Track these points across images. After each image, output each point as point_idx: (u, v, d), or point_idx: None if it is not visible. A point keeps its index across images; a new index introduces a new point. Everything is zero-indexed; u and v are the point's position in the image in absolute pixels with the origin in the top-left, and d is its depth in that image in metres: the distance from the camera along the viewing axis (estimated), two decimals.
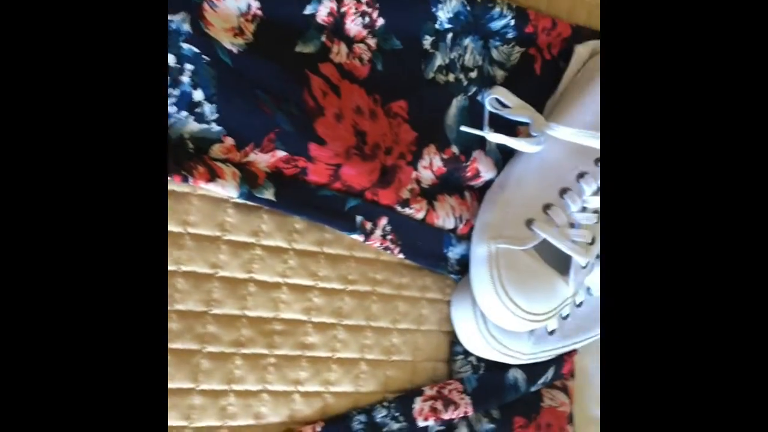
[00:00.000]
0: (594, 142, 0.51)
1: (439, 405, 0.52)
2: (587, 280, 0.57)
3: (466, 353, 0.55)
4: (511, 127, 0.54)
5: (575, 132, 0.52)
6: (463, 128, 0.52)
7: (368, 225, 0.49)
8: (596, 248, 0.52)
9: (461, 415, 0.53)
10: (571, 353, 0.58)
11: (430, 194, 0.51)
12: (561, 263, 0.51)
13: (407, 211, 0.50)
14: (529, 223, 0.51)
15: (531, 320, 0.50)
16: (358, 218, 0.48)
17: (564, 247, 0.50)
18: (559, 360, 0.57)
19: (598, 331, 0.58)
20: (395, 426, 0.50)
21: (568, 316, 0.56)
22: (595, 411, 0.62)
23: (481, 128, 0.52)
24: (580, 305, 0.57)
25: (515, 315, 0.49)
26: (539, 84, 0.56)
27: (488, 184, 0.54)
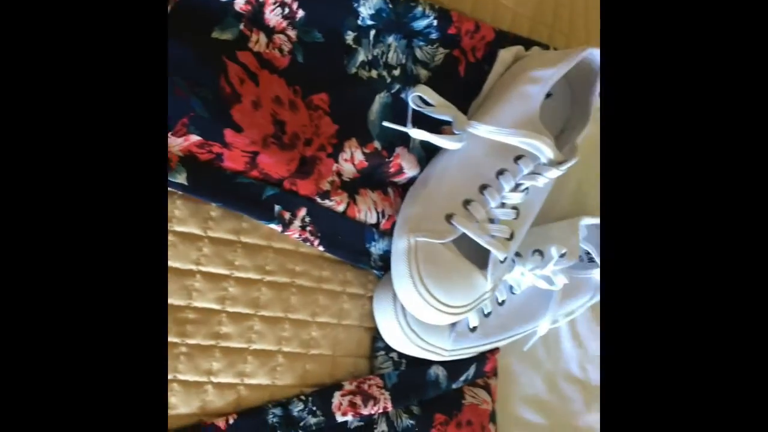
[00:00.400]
0: (513, 140, 0.52)
1: (358, 400, 0.51)
2: (511, 279, 0.58)
3: (388, 349, 0.55)
4: (434, 125, 0.55)
5: (495, 130, 0.53)
6: (386, 124, 0.52)
7: (287, 215, 0.48)
8: (515, 244, 0.53)
9: (381, 411, 0.52)
10: (493, 351, 0.58)
11: (351, 188, 0.52)
12: (480, 258, 0.52)
13: (327, 203, 0.50)
14: (449, 217, 0.51)
15: (448, 312, 0.50)
16: (276, 207, 0.48)
17: (482, 242, 0.51)
18: (482, 358, 0.57)
19: (520, 330, 0.58)
20: (312, 420, 0.50)
21: (490, 313, 0.57)
22: (519, 411, 0.62)
23: (404, 125, 0.53)
24: (502, 304, 0.58)
25: (433, 307, 0.49)
26: (463, 85, 0.57)
27: (412, 181, 0.55)
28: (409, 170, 0.54)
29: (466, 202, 0.52)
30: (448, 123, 0.55)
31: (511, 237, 0.53)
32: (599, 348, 0.66)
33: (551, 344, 0.65)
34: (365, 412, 0.52)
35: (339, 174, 0.51)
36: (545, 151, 0.52)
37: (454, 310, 0.50)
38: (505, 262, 0.53)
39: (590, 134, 0.66)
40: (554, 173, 0.53)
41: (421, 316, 0.50)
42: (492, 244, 0.51)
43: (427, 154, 0.56)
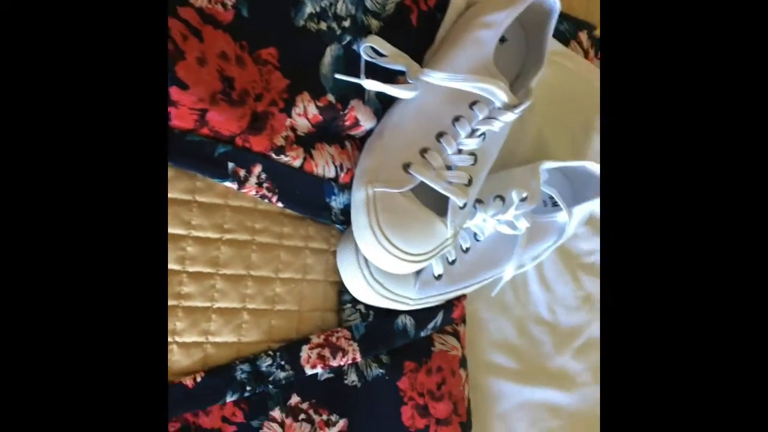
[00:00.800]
0: (467, 85, 0.52)
1: (326, 352, 0.52)
2: (474, 225, 0.58)
3: (355, 302, 0.55)
4: (388, 76, 0.55)
5: (449, 77, 0.52)
6: (338, 76, 0.52)
7: (241, 172, 0.48)
8: (474, 190, 0.53)
9: (350, 362, 0.53)
10: (460, 298, 0.59)
11: (306, 142, 0.52)
12: (440, 206, 0.52)
13: (283, 158, 0.50)
14: (406, 166, 0.51)
15: (410, 261, 0.50)
16: (230, 165, 0.48)
17: (440, 189, 0.51)
18: (449, 305, 0.58)
19: (485, 276, 0.59)
20: (281, 374, 0.50)
21: (455, 261, 0.57)
22: (489, 356, 0.63)
23: (357, 77, 0.52)
24: (467, 251, 0.58)
25: (394, 256, 0.50)
26: (416, 34, 0.57)
27: (370, 133, 0.55)
28: (366, 122, 0.54)
29: (423, 151, 0.52)
30: (402, 73, 0.55)
31: (470, 183, 0.53)
32: (567, 292, 0.67)
33: (519, 289, 0.65)
34: (334, 363, 0.52)
35: (293, 129, 0.51)
36: (499, 95, 0.52)
37: (416, 258, 0.51)
38: (465, 209, 0.53)
39: (547, 77, 0.66)
40: (509, 117, 0.53)
41: (383, 265, 0.51)
42: (450, 191, 0.51)
43: (383, 105, 0.55)
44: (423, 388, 0.55)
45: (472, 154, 0.53)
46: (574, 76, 0.67)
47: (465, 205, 0.52)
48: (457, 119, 0.53)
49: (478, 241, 0.59)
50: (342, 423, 0.53)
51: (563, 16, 0.67)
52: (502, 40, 0.60)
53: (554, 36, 0.63)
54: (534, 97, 0.61)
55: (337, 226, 0.55)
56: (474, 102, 0.53)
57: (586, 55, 0.68)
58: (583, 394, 0.67)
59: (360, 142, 0.55)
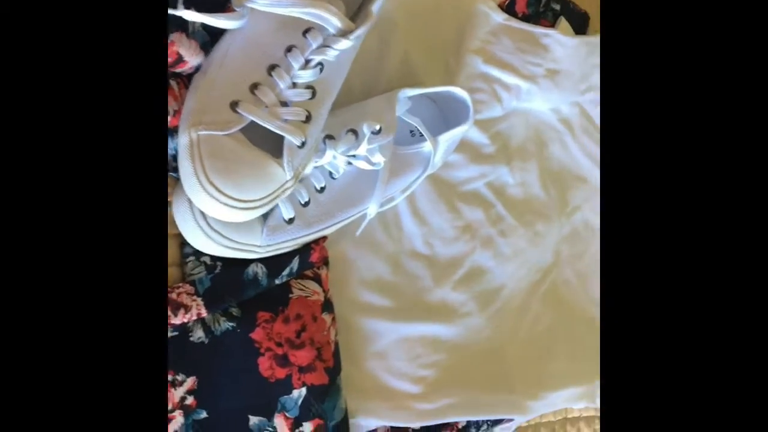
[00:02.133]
0: (295, 11, 0.47)
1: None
2: (330, 164, 0.54)
3: (198, 254, 0.52)
4: (215, 5, 0.49)
5: (275, 2, 0.47)
6: None
7: None
8: (314, 126, 0.49)
9: (194, 318, 0.50)
10: (319, 241, 0.56)
11: None
12: (278, 147, 0.48)
13: None
14: (234, 105, 0.47)
15: (244, 208, 0.47)
16: None
17: (273, 127, 0.47)
18: (306, 249, 0.55)
19: (347, 215, 0.56)
20: None
21: (308, 202, 0.54)
22: (360, 295, 0.61)
23: (174, 7, 0.47)
24: (322, 191, 0.55)
25: (225, 204, 0.46)
26: None
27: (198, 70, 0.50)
28: (191, 58, 0.49)
29: (253, 87, 0.48)
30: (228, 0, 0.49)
31: (308, 119, 0.49)
32: (444, 223, 0.65)
33: (391, 224, 0.62)
34: (177, 321, 0.49)
35: None
36: (332, 20, 0.47)
37: (251, 205, 0.47)
38: (305, 148, 0.49)
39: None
40: (345, 44, 0.48)
41: (215, 214, 0.47)
42: (285, 129, 0.47)
43: (212, 38, 0.50)
44: (280, 338, 0.53)
45: (309, 87, 0.49)
46: None
47: (304, 143, 0.48)
48: (289, 50, 0.48)
49: (334, 179, 0.55)
50: (190, 381, 0.50)
51: None
52: None
53: None
54: (396, 18, 0.56)
55: (173, 174, 0.50)
56: (307, 29, 0.48)
57: None
58: (466, 324, 0.65)
59: (188, 80, 0.50)
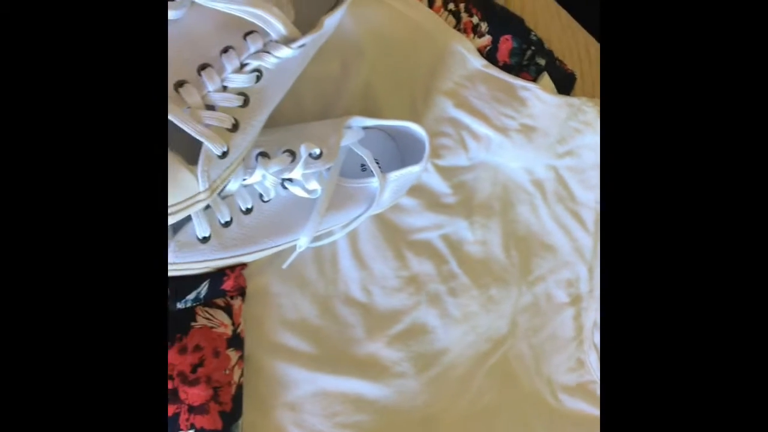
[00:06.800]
0: (235, 9, 0.43)
1: None
2: (259, 184, 0.49)
3: None
4: None
5: None
6: None
7: None
8: (242, 137, 0.45)
9: None
10: (235, 268, 0.50)
11: None
12: (197, 154, 0.43)
13: None
14: None
15: None
16: None
17: (191, 130, 0.42)
18: (219, 274, 0.49)
19: (272, 243, 0.50)
20: None
21: (230, 222, 0.48)
22: (279, 336, 0.55)
23: None
24: (248, 212, 0.49)
25: None
26: None
27: None
28: None
29: (178, 84, 0.43)
30: None
31: (235, 128, 0.44)
32: (387, 270, 0.59)
33: (326, 262, 0.57)
34: None
35: None
36: (275, 24, 0.43)
37: None
38: (226, 158, 0.44)
39: (380, 21, 0.57)
40: (285, 52, 0.44)
41: None
42: (204, 134, 0.42)
43: None
44: (173, 369, 0.47)
45: (241, 94, 0.44)
46: (414, 27, 0.59)
47: (225, 154, 0.43)
48: (225, 50, 0.44)
49: (264, 202, 0.50)
50: None
51: None
52: None
53: None
54: (364, 44, 0.52)
55: None
56: (249, 32, 0.44)
57: (431, 4, 0.60)
58: (397, 386, 0.59)
59: None
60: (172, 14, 0.44)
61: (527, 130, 0.63)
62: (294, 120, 0.54)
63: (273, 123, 0.49)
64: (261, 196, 0.50)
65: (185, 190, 0.42)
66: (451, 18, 0.60)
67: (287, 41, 0.44)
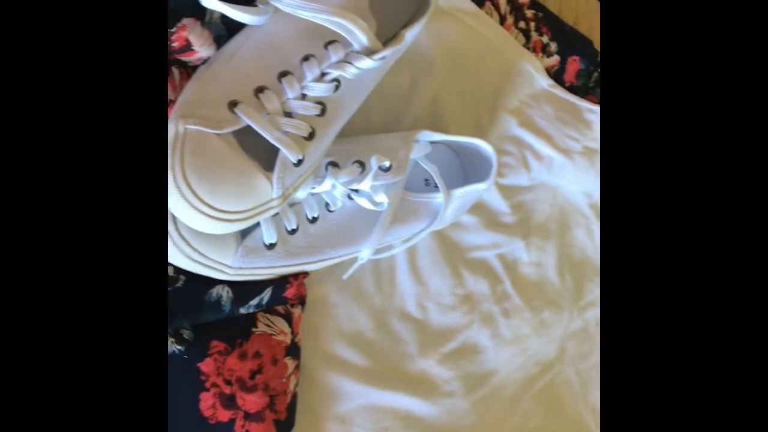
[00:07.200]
0: (320, 17, 0.43)
1: None
2: (327, 194, 0.49)
3: None
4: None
5: (300, 4, 0.43)
6: None
7: None
8: (317, 146, 0.44)
9: None
10: (298, 275, 0.50)
11: None
12: (272, 160, 0.43)
13: None
14: (232, 105, 0.42)
15: (217, 218, 0.41)
16: None
17: (269, 137, 0.42)
18: (282, 281, 0.49)
19: (336, 254, 0.50)
20: None
21: (296, 230, 0.48)
22: (334, 348, 0.54)
23: None
24: (314, 221, 0.49)
25: (197, 210, 0.41)
26: None
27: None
28: (201, 48, 0.45)
29: (259, 90, 0.43)
30: None
31: (311, 137, 0.44)
32: (444, 288, 0.58)
33: (384, 276, 0.56)
34: None
35: None
36: (358, 35, 0.43)
37: (225, 216, 0.42)
38: (301, 167, 0.44)
39: (451, 36, 0.57)
40: (367, 63, 0.44)
41: (185, 219, 0.42)
42: (282, 141, 0.42)
43: (229, 32, 0.46)
44: (231, 375, 0.47)
45: (319, 103, 0.44)
46: (485, 43, 0.58)
47: (300, 162, 0.43)
48: (306, 59, 0.44)
49: (330, 211, 0.50)
50: None
51: None
52: None
53: None
54: (434, 59, 0.52)
55: None
56: (331, 41, 0.44)
57: (502, 22, 0.59)
58: (446, 405, 0.58)
59: (193, 71, 0.46)
60: (255, 19, 0.44)
61: (590, 153, 0.62)
62: (360, 131, 0.53)
63: (340, 133, 0.49)
64: (327, 205, 0.49)
65: (259, 196, 0.42)
66: (521, 36, 0.60)
67: (369, 53, 0.44)
